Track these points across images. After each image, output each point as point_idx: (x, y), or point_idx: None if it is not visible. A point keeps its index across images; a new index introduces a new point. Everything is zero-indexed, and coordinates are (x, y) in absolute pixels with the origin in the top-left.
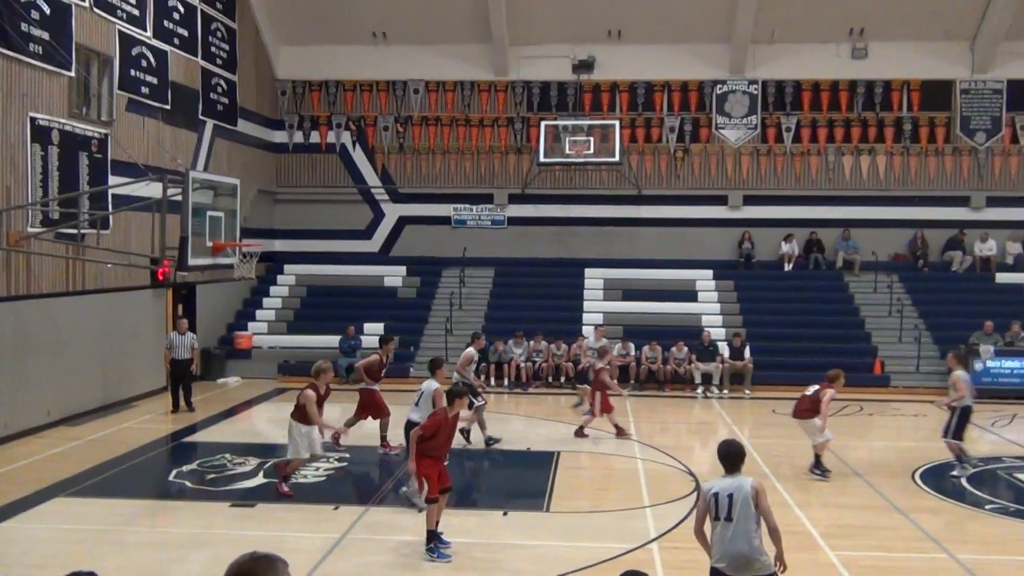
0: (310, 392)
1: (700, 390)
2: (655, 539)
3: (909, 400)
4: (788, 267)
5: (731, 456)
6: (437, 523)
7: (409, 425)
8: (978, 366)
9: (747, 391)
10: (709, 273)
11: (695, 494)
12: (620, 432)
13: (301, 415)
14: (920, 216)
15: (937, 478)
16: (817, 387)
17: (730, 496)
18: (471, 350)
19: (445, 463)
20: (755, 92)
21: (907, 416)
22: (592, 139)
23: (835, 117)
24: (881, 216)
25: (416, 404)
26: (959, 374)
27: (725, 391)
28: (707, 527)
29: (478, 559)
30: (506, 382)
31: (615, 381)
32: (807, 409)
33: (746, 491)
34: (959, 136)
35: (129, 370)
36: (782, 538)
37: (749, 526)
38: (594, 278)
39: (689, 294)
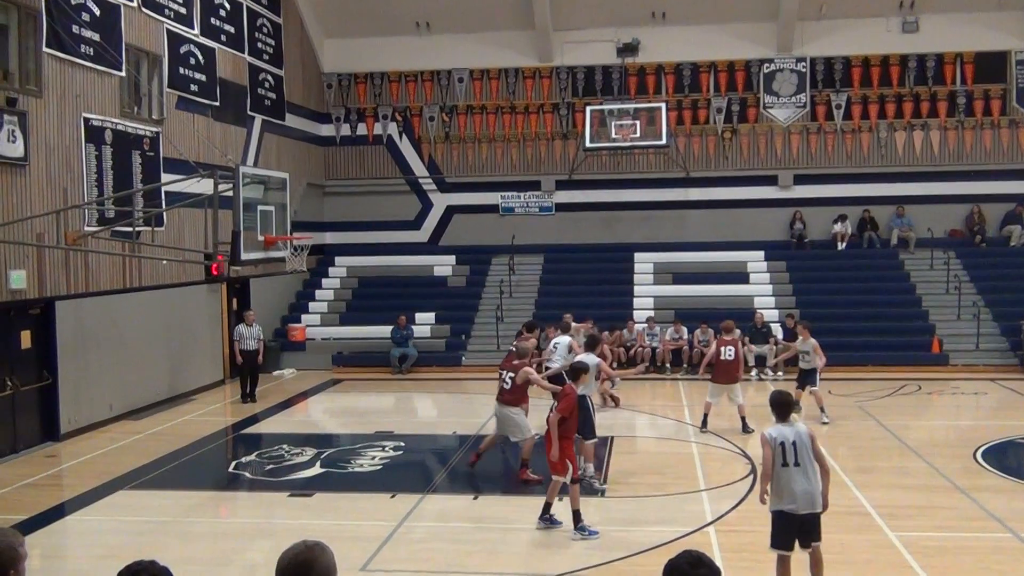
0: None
1: (754, 372)
2: (712, 522)
3: (969, 378)
4: (841, 246)
5: (786, 404)
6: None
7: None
8: None
9: None
10: (761, 254)
11: (751, 477)
12: None
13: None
14: (976, 191)
15: (1000, 456)
16: (733, 348)
17: (794, 443)
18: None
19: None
20: (803, 70)
21: (967, 395)
22: (638, 123)
23: (886, 93)
24: (936, 192)
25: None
26: (813, 341)
27: (780, 373)
28: None
29: (534, 544)
30: None
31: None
32: (738, 371)
33: (805, 437)
34: (1015, 108)
35: (187, 364)
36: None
37: (815, 467)
38: (644, 262)
39: (740, 276)
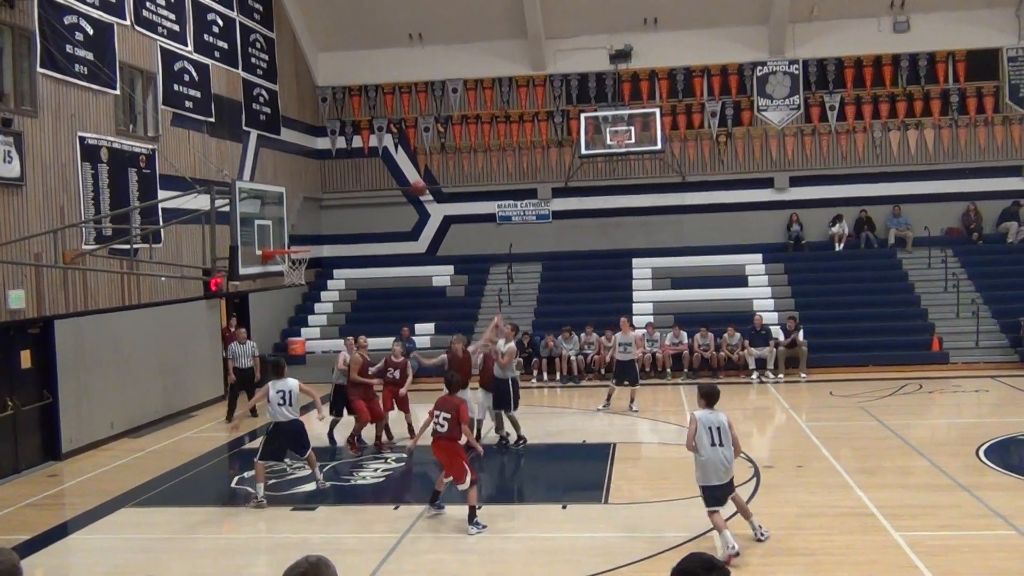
0: None
1: (755, 375)
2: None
3: (969, 376)
4: (839, 247)
5: (715, 395)
6: None
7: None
8: None
9: (803, 374)
10: (759, 257)
11: (754, 480)
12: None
13: None
14: (972, 188)
15: (1002, 454)
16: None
17: (719, 428)
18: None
19: None
20: (796, 72)
21: (968, 392)
22: (633, 128)
23: (879, 93)
24: (932, 190)
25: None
26: (634, 334)
27: (780, 375)
28: None
29: (539, 552)
30: (558, 376)
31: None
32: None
33: (726, 423)
34: (1008, 105)
35: (187, 380)
36: None
37: (732, 447)
38: (642, 268)
39: (739, 279)
